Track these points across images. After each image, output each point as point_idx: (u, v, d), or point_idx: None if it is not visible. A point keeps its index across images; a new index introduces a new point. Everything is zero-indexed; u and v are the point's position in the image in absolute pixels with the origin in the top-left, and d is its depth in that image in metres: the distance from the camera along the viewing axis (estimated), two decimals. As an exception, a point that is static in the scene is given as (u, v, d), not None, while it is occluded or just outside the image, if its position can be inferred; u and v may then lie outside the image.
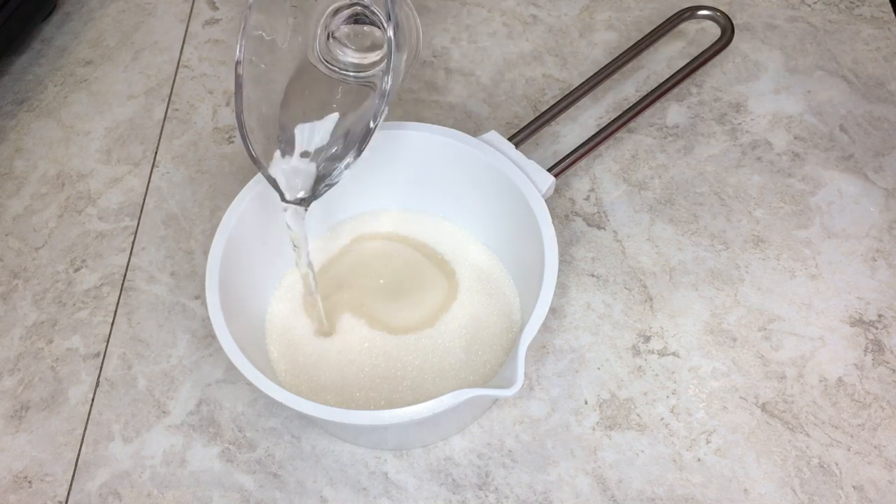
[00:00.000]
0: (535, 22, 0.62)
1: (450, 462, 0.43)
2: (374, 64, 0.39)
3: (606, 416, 0.44)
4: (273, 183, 0.39)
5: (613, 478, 0.42)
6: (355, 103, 0.40)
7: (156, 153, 0.57)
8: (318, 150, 0.40)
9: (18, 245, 0.53)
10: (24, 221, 0.54)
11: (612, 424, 0.44)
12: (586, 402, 0.45)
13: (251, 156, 0.38)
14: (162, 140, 0.58)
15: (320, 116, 0.40)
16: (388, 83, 0.36)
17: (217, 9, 0.65)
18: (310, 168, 0.40)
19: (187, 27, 0.64)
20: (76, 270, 0.52)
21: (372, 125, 0.37)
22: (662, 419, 0.44)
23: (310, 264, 0.43)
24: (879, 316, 0.47)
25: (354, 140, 0.38)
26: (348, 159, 0.38)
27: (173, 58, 0.63)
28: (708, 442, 0.43)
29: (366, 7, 0.37)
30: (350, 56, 0.38)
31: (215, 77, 0.61)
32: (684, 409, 0.44)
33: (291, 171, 0.40)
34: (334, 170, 0.39)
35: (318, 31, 0.38)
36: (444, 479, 0.43)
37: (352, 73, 0.39)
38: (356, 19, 0.38)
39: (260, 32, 0.37)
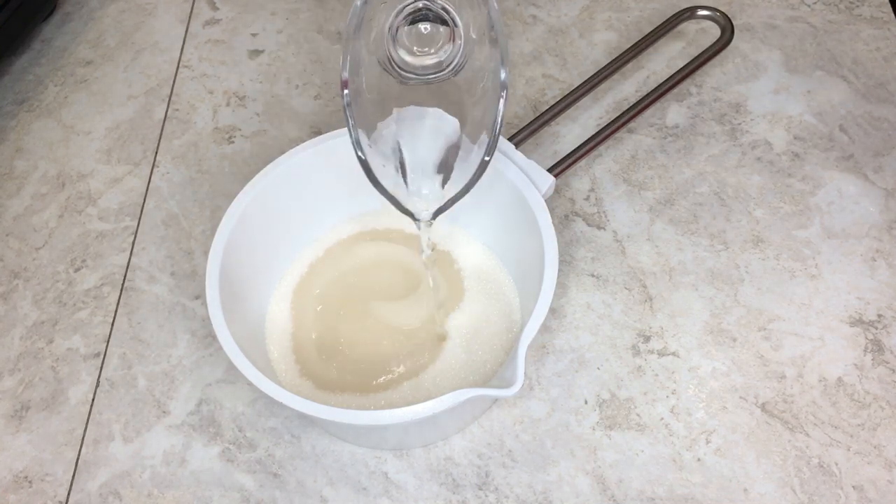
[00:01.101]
0: (535, 22, 0.62)
1: (450, 462, 0.43)
2: (440, 62, 0.37)
3: (606, 416, 0.44)
4: (398, 205, 0.39)
5: (613, 478, 0.42)
6: (445, 103, 0.39)
7: (156, 153, 0.57)
8: (431, 161, 0.40)
9: (18, 245, 0.53)
10: (24, 221, 0.54)
11: (612, 424, 0.44)
12: (586, 402, 0.45)
13: (375, 182, 0.38)
14: (162, 140, 0.58)
15: (418, 125, 0.39)
16: (505, 75, 0.36)
17: (217, 9, 0.65)
18: (434, 181, 0.39)
19: (187, 27, 0.64)
20: (76, 270, 0.52)
21: (499, 119, 0.37)
22: (662, 419, 0.44)
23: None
24: (879, 316, 0.47)
25: (471, 141, 0.38)
26: (472, 174, 0.38)
27: (173, 58, 0.63)
28: (708, 442, 0.43)
29: (431, 1, 0.36)
30: (420, 58, 0.37)
31: (215, 77, 0.61)
32: (684, 409, 0.44)
33: (417, 190, 0.39)
34: (450, 178, 0.39)
35: (385, 35, 0.37)
36: (444, 479, 0.43)
37: (429, 75, 0.37)
38: (413, 19, 0.37)
39: (354, 52, 0.36)
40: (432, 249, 0.43)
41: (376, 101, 0.38)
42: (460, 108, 0.39)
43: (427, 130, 0.39)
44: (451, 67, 0.36)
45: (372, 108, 0.38)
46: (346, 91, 0.36)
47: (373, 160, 0.38)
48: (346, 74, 0.36)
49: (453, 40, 0.36)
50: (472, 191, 0.39)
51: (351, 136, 0.37)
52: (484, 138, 0.38)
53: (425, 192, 0.40)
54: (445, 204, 0.39)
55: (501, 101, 0.37)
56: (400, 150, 0.39)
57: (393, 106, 0.38)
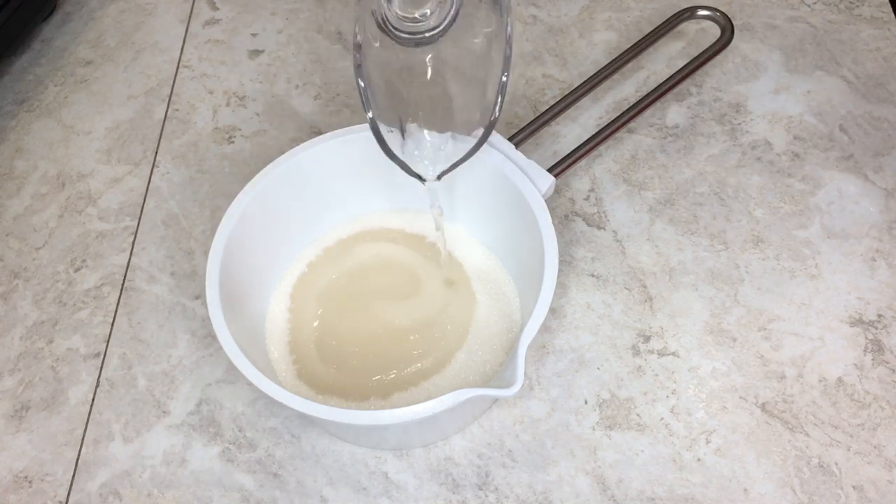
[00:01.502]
0: (535, 22, 0.62)
1: (450, 462, 0.43)
2: (431, 20, 0.38)
3: (606, 416, 0.44)
4: (406, 168, 0.40)
5: (613, 478, 0.42)
6: (447, 67, 0.40)
7: (156, 153, 0.57)
8: (436, 125, 0.41)
9: (18, 245, 0.53)
10: (24, 221, 0.54)
11: (612, 424, 0.44)
12: (586, 402, 0.45)
13: (383, 144, 0.39)
14: (162, 140, 0.58)
15: (419, 87, 0.40)
16: (511, 29, 0.37)
17: (217, 9, 0.65)
18: (440, 143, 0.41)
19: (187, 27, 0.64)
20: (76, 270, 0.52)
21: (504, 78, 0.38)
22: (662, 419, 0.44)
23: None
24: (879, 316, 0.47)
25: (476, 102, 0.39)
26: (479, 135, 0.39)
27: (173, 58, 0.63)
28: (708, 442, 0.43)
29: None
30: (410, 15, 0.38)
31: (215, 77, 0.61)
32: (684, 408, 0.44)
33: (421, 153, 0.41)
34: (456, 140, 0.40)
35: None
36: (444, 479, 0.43)
37: (423, 34, 0.38)
38: None
39: (364, 15, 0.37)
40: (440, 209, 0.45)
41: (379, 64, 0.38)
42: (463, 71, 0.39)
43: (432, 94, 0.40)
44: (441, 26, 0.37)
45: (376, 70, 0.38)
46: (356, 53, 0.36)
47: (381, 123, 0.39)
48: (359, 37, 0.36)
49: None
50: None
51: (361, 97, 0.37)
52: (489, 99, 0.38)
53: (431, 155, 0.41)
54: (451, 166, 0.41)
55: (506, 56, 0.37)
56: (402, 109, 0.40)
57: (395, 69, 0.39)
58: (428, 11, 0.37)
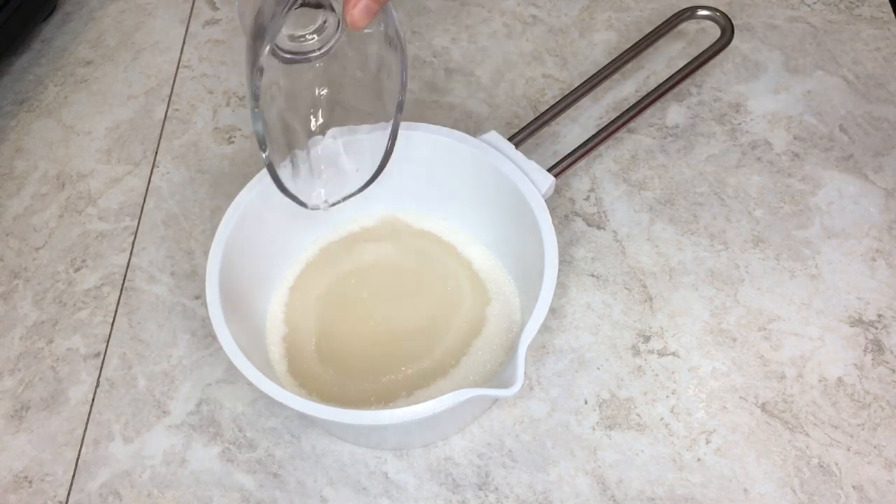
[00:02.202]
0: (535, 22, 0.62)
1: (450, 462, 0.43)
2: (318, 41, 0.39)
3: (606, 416, 0.44)
4: (298, 201, 0.41)
5: (613, 478, 0.42)
6: (337, 91, 0.40)
7: (156, 153, 0.57)
8: (333, 154, 0.42)
9: (18, 245, 0.53)
10: (24, 221, 0.54)
11: (612, 424, 0.44)
12: (586, 402, 0.45)
13: (278, 183, 0.39)
14: (162, 140, 0.58)
15: (313, 116, 0.41)
16: (404, 64, 0.37)
17: (217, 9, 0.65)
18: (332, 173, 0.42)
19: (187, 27, 0.64)
20: (76, 270, 0.52)
21: (398, 113, 0.39)
22: (662, 419, 0.44)
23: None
24: (879, 316, 0.47)
25: (374, 128, 0.40)
26: (377, 163, 0.40)
27: (173, 58, 0.63)
28: (708, 442, 0.43)
29: None
30: (298, 37, 0.38)
31: (215, 77, 0.61)
32: (684, 408, 0.44)
33: (313, 183, 0.42)
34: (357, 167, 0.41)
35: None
36: (444, 479, 0.43)
37: (310, 53, 0.39)
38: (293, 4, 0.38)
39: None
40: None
41: (272, 90, 0.39)
42: (357, 101, 0.41)
43: (326, 123, 0.41)
44: (325, 48, 0.38)
45: (268, 98, 0.39)
46: (257, 81, 0.35)
47: (275, 158, 0.39)
48: (262, 62, 0.35)
49: (326, 20, 0.38)
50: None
51: (258, 134, 0.37)
52: (384, 125, 0.40)
53: (323, 184, 0.42)
54: (343, 198, 0.42)
55: (402, 82, 0.38)
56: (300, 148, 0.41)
57: (288, 96, 0.40)
58: (315, 35, 0.38)
